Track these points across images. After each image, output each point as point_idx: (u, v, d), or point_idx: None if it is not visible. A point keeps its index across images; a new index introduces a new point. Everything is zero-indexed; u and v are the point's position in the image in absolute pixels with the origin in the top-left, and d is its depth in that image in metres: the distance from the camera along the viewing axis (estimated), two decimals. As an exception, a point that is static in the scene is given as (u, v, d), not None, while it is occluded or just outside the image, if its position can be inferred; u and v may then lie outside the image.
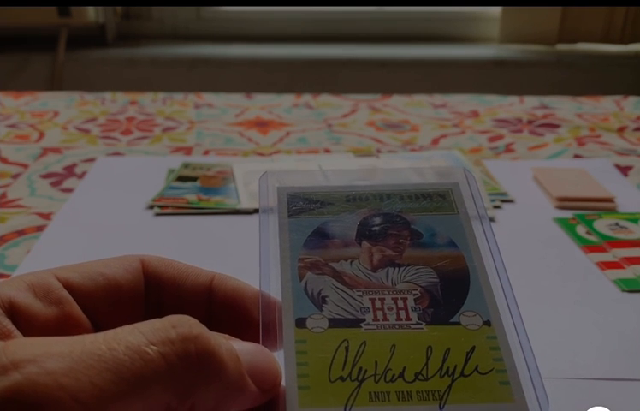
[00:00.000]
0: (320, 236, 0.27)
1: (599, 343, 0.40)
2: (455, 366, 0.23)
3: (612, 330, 0.42)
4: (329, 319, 0.24)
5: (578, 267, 0.50)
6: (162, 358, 0.19)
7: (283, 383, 0.23)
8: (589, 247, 0.52)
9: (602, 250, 0.52)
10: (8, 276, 0.47)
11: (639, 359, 0.39)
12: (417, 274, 0.26)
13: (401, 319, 0.24)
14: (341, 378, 0.22)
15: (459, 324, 0.24)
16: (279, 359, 0.23)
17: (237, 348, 0.22)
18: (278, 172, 0.30)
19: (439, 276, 0.26)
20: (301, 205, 0.28)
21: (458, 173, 0.30)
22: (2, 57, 1.59)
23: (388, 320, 0.24)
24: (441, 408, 0.22)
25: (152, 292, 0.26)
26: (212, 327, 0.21)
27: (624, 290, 0.46)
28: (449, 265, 0.26)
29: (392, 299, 0.25)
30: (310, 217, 0.28)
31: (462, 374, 0.22)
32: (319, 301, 0.25)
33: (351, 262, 0.26)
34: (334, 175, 0.30)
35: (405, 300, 0.25)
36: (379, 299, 0.25)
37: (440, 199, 0.29)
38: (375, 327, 0.24)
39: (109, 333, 0.20)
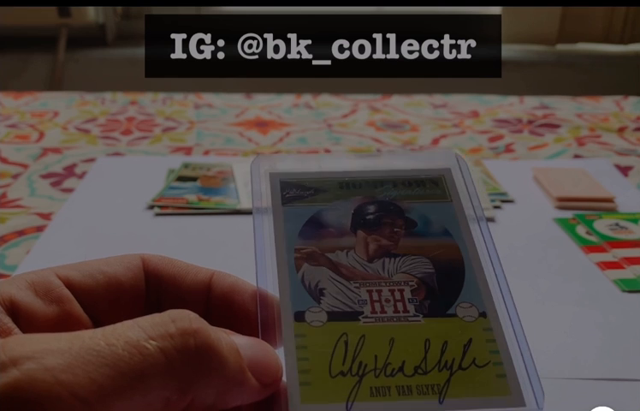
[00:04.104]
0: (315, 225, 0.27)
1: (599, 343, 0.40)
2: (453, 360, 0.23)
3: (612, 330, 0.42)
4: (328, 313, 0.24)
5: (578, 267, 0.49)
6: (162, 353, 0.19)
7: (284, 378, 0.22)
8: (590, 248, 0.52)
9: (602, 250, 0.52)
10: (8, 276, 0.47)
11: (639, 359, 0.39)
12: (412, 264, 0.26)
13: (399, 312, 0.24)
14: (342, 373, 0.22)
15: (455, 316, 0.24)
16: (279, 354, 0.23)
17: (238, 343, 0.22)
18: (269, 157, 0.30)
19: (434, 266, 0.26)
20: (294, 193, 0.28)
21: (449, 158, 0.30)
22: (2, 57, 1.59)
23: (385, 313, 0.24)
24: (440, 402, 0.22)
25: (152, 290, 0.27)
26: (212, 324, 0.21)
27: (624, 290, 0.46)
28: (444, 255, 0.26)
29: (389, 290, 0.25)
30: (304, 206, 0.28)
31: (460, 367, 0.23)
32: (317, 294, 0.25)
33: (347, 252, 0.26)
34: (326, 160, 0.30)
35: (402, 291, 0.25)
36: (376, 291, 0.25)
37: (433, 186, 0.29)
38: (373, 320, 0.24)
39: (108, 329, 0.19)
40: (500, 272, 0.26)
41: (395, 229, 0.27)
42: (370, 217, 0.27)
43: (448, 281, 0.25)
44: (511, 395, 0.22)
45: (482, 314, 0.24)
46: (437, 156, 0.31)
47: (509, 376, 0.23)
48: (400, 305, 0.24)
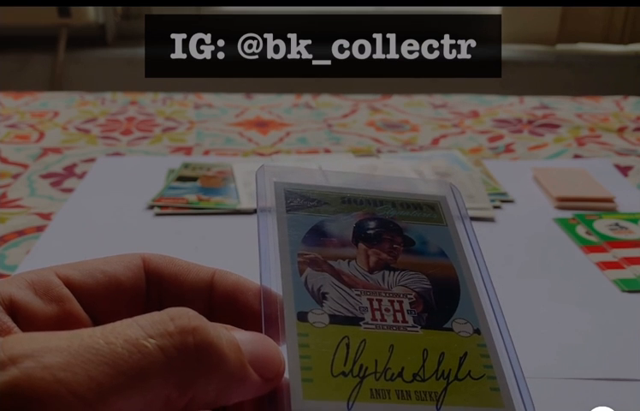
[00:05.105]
0: (318, 234, 0.28)
1: (599, 343, 0.40)
2: (450, 370, 0.24)
3: (612, 330, 0.42)
4: (330, 316, 0.25)
5: (578, 267, 0.49)
6: (161, 351, 0.19)
7: (286, 374, 0.23)
8: (589, 247, 0.52)
9: (602, 250, 0.52)
10: (8, 276, 0.47)
11: (639, 359, 0.39)
12: (411, 279, 0.27)
13: (398, 321, 0.25)
14: (343, 374, 0.23)
15: (451, 330, 0.25)
16: (282, 351, 0.23)
17: (238, 338, 0.22)
18: (275, 167, 0.30)
19: (431, 282, 0.27)
20: (298, 202, 0.29)
21: (444, 187, 0.32)
22: (2, 57, 1.59)
23: (385, 321, 0.25)
24: (438, 409, 0.23)
25: (153, 289, 0.26)
26: (214, 322, 0.21)
27: (624, 290, 0.46)
28: (440, 274, 0.28)
29: (389, 301, 0.26)
30: (307, 215, 0.29)
31: (456, 378, 0.24)
32: (319, 297, 0.25)
33: (348, 262, 0.27)
34: (328, 175, 0.31)
35: (401, 303, 0.26)
36: (376, 300, 0.26)
37: (429, 210, 0.30)
38: (373, 326, 0.25)
39: (108, 327, 0.19)
40: (492, 293, 0.27)
41: (394, 246, 0.28)
42: (371, 231, 0.29)
43: (445, 297, 0.27)
44: (504, 408, 0.23)
45: (477, 331, 0.26)
46: (433, 184, 0.32)
47: (502, 390, 0.24)
48: (399, 315, 0.25)
